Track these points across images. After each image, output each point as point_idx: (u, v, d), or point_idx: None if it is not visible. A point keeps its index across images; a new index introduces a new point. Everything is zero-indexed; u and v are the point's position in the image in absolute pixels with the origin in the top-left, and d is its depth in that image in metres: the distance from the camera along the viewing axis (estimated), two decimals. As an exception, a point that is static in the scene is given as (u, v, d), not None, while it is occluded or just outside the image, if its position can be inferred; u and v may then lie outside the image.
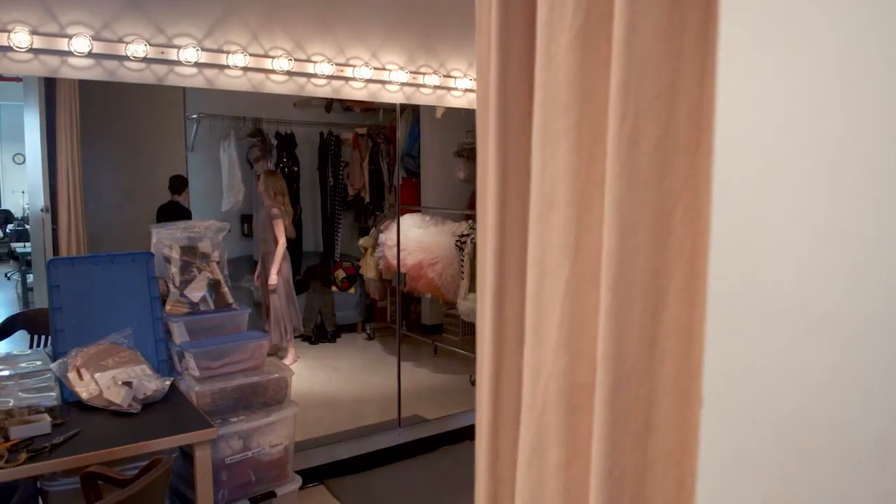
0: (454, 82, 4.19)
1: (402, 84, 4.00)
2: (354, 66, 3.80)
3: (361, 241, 5.34)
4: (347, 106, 5.09)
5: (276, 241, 4.49)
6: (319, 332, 5.26)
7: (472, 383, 4.77)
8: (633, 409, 0.92)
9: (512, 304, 1.13)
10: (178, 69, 3.30)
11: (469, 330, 5.33)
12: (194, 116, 4.37)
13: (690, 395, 0.91)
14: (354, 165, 5.25)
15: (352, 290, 5.52)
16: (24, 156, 4.64)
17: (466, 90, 4.24)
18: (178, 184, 4.08)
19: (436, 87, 4.13)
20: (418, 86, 4.08)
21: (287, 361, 4.58)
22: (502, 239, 1.12)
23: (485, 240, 1.17)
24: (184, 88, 3.70)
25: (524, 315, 1.09)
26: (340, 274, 5.42)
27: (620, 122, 0.88)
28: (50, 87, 3.22)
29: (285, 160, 4.90)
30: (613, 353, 0.91)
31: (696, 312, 0.91)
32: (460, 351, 5.29)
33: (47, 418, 2.23)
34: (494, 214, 1.11)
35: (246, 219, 4.64)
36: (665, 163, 0.89)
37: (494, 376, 1.16)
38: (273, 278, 4.45)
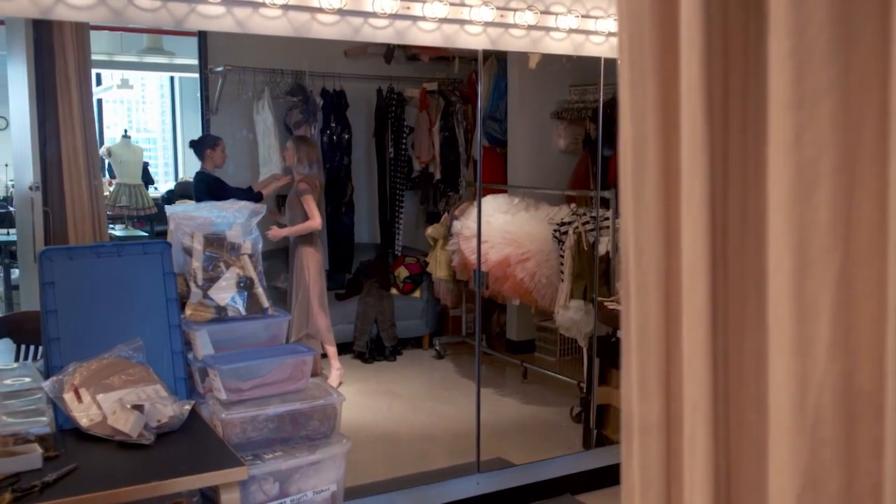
0: (555, 20, 4.14)
1: (487, 24, 3.97)
2: (425, 2, 3.79)
3: (430, 231, 5.34)
4: (413, 54, 5.09)
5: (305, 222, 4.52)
6: (375, 348, 5.29)
7: (574, 418, 4.73)
8: None
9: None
10: (201, 8, 3.34)
11: (569, 348, 5.27)
12: (219, 69, 4.44)
13: None
14: (422, 131, 5.25)
15: (416, 294, 5.52)
16: (6, 119, 4.78)
17: (571, 30, 4.18)
18: (203, 146, 4.13)
19: (530, 28, 4.09)
20: (507, 26, 4.03)
21: (331, 382, 4.62)
22: (722, 237, 1.19)
23: (662, 238, 1.24)
24: (203, 33, 3.77)
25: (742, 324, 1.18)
26: (402, 273, 5.43)
27: None
28: (42, 32, 3.29)
29: (333, 125, 4.93)
30: None
31: None
32: (557, 375, 5.24)
33: (38, 450, 2.27)
34: (704, 201, 1.18)
35: (282, 200, 4.70)
36: None
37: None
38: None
